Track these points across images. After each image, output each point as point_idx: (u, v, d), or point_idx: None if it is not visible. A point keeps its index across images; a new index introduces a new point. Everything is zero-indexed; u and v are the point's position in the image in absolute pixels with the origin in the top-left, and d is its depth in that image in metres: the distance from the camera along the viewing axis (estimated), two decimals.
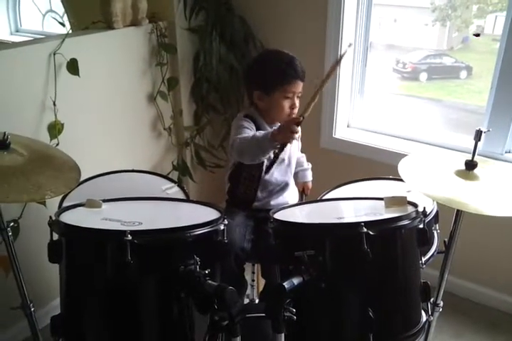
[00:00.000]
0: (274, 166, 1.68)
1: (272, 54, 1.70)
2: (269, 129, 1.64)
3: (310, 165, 1.92)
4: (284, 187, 1.74)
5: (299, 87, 1.61)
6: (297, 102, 1.63)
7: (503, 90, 1.96)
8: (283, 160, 1.71)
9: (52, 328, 1.24)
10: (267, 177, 1.69)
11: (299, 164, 1.88)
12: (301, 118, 1.42)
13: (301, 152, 1.89)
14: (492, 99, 2.00)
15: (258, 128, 1.65)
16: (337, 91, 2.28)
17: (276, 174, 1.71)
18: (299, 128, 1.42)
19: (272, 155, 1.65)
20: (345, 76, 2.29)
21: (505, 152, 2.05)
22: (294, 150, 1.76)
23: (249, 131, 1.59)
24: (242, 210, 1.70)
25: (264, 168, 1.68)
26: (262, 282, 1.79)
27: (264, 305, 1.14)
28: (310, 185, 1.92)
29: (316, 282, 1.17)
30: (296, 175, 1.88)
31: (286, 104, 1.62)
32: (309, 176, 1.92)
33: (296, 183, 1.88)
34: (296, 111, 1.64)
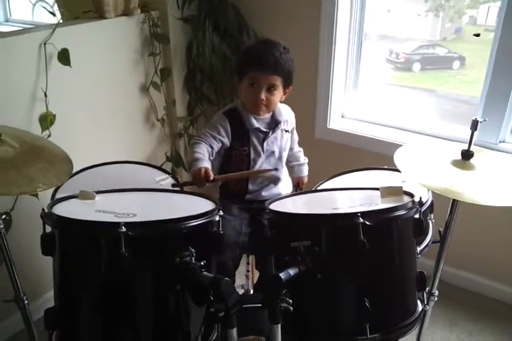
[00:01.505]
0: (262, 160, 1.67)
1: (257, 41, 1.68)
2: (254, 121, 1.63)
3: (307, 160, 1.90)
4: (275, 179, 1.72)
5: (267, 79, 1.56)
6: (265, 95, 1.57)
7: (497, 80, 1.95)
8: (272, 152, 1.69)
9: (46, 321, 1.23)
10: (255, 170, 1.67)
11: (295, 158, 1.86)
12: (211, 179, 1.46)
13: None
14: (486, 89, 1.99)
15: (240, 122, 1.63)
16: (331, 82, 2.26)
17: (265, 167, 1.69)
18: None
19: (258, 148, 1.65)
20: (340, 66, 2.28)
21: (500, 142, 2.06)
22: (285, 143, 1.73)
23: (211, 138, 1.59)
24: (235, 203, 1.68)
25: (251, 162, 1.66)
26: (257, 273, 1.78)
27: (261, 295, 1.14)
28: (305, 180, 1.90)
29: (312, 273, 1.17)
30: (291, 170, 1.86)
31: (251, 94, 1.59)
32: (305, 171, 1.89)
33: (291, 177, 1.86)
34: (263, 103, 1.59)
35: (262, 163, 1.68)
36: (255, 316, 1.31)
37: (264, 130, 1.65)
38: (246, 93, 1.61)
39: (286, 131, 1.72)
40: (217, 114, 1.68)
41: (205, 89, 2.42)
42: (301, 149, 1.88)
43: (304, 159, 1.89)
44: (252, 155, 1.66)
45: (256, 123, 1.64)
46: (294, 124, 1.78)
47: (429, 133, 2.22)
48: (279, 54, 1.55)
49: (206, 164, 1.51)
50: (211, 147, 1.59)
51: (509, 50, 1.89)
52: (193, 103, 2.43)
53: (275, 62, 1.55)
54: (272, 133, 1.67)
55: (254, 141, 1.65)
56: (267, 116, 1.67)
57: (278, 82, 1.58)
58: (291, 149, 1.81)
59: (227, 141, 1.63)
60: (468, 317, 2.13)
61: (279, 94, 1.61)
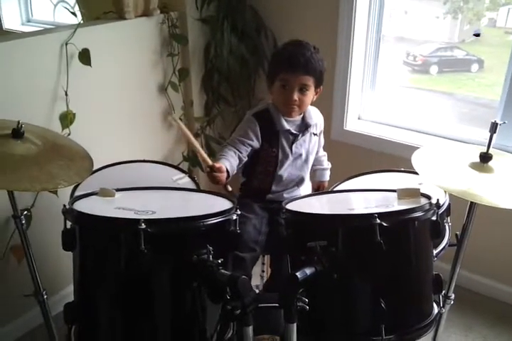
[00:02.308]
0: (289, 162, 1.68)
1: (287, 43, 1.68)
2: (285, 123, 1.63)
3: (329, 166, 1.89)
4: (299, 182, 1.73)
5: (299, 79, 1.56)
6: (297, 96, 1.57)
7: None
8: (300, 155, 1.69)
9: (65, 315, 1.25)
10: (281, 172, 1.68)
11: (319, 162, 1.86)
12: (208, 169, 1.46)
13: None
14: (506, 91, 1.98)
15: (271, 123, 1.63)
16: (348, 84, 2.26)
17: (291, 169, 1.70)
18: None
19: (287, 150, 1.66)
20: (357, 68, 2.28)
21: None
22: (312, 147, 1.73)
23: (239, 143, 1.60)
24: (256, 202, 1.69)
25: (278, 163, 1.67)
26: None
27: (277, 294, 1.15)
28: (326, 185, 1.90)
29: (328, 272, 1.17)
30: (313, 174, 1.86)
31: (283, 95, 1.59)
32: (327, 176, 1.89)
33: (312, 181, 1.86)
34: (295, 104, 1.58)
35: (288, 165, 1.68)
36: (270, 315, 1.32)
37: (294, 132, 1.65)
38: (278, 95, 1.61)
39: (315, 134, 1.72)
40: (247, 115, 1.69)
41: (223, 90, 2.44)
42: (325, 154, 1.87)
43: (327, 164, 1.89)
44: (280, 156, 1.66)
45: (286, 125, 1.64)
46: (322, 128, 1.77)
47: (446, 135, 2.21)
48: (309, 54, 1.56)
49: (225, 162, 1.52)
50: (239, 151, 1.60)
51: None
52: (210, 103, 2.45)
53: (306, 62, 1.55)
54: (302, 135, 1.67)
55: (284, 142, 1.65)
56: (298, 118, 1.67)
57: (310, 82, 1.58)
58: (316, 152, 1.80)
59: (256, 144, 1.64)
60: (483, 322, 2.11)
61: (311, 94, 1.61)
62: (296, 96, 1.58)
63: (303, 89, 1.58)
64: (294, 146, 1.66)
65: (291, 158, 1.67)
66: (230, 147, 1.60)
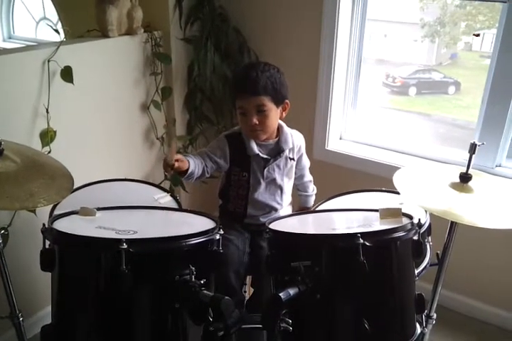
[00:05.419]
0: (263, 186, 1.66)
1: (237, 69, 1.71)
2: (255, 148, 1.60)
3: (315, 191, 1.87)
4: (275, 207, 1.70)
5: (251, 102, 1.52)
6: (256, 119, 1.53)
7: (493, 105, 1.98)
8: (273, 180, 1.66)
9: (42, 338, 1.22)
10: (254, 196, 1.66)
11: (303, 188, 1.84)
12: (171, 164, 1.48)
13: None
14: (483, 113, 2.02)
15: (242, 147, 1.62)
16: (330, 104, 2.29)
17: (264, 195, 1.67)
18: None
19: (258, 175, 1.64)
20: (339, 89, 2.31)
21: (496, 166, 2.08)
22: (288, 171, 1.69)
23: (207, 157, 1.62)
24: (236, 223, 1.68)
25: (250, 187, 1.66)
26: None
27: (260, 315, 1.14)
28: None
29: (311, 293, 1.17)
30: (299, 198, 1.85)
31: (244, 122, 1.56)
32: (311, 202, 1.87)
33: (297, 206, 1.86)
34: (257, 128, 1.55)
35: (262, 190, 1.66)
36: (252, 335, 1.30)
37: (265, 157, 1.63)
38: (241, 123, 1.60)
39: (291, 158, 1.68)
40: (220, 135, 1.68)
41: (205, 109, 2.45)
42: (311, 179, 1.84)
43: (312, 190, 1.86)
44: (252, 181, 1.64)
45: (256, 150, 1.61)
46: (302, 151, 1.74)
47: (425, 156, 2.25)
48: (255, 74, 1.50)
49: (188, 158, 1.54)
50: (205, 162, 1.60)
51: (505, 76, 1.93)
52: (193, 122, 2.45)
53: (254, 83, 1.50)
54: (274, 160, 1.64)
55: (255, 167, 1.63)
56: (271, 142, 1.64)
57: (265, 101, 1.52)
58: (301, 177, 1.79)
59: (224, 164, 1.63)
60: None
61: (272, 113, 1.56)
62: (255, 119, 1.53)
63: (260, 111, 1.53)
64: (266, 171, 1.63)
65: (263, 182, 1.65)
66: (199, 156, 1.61)
